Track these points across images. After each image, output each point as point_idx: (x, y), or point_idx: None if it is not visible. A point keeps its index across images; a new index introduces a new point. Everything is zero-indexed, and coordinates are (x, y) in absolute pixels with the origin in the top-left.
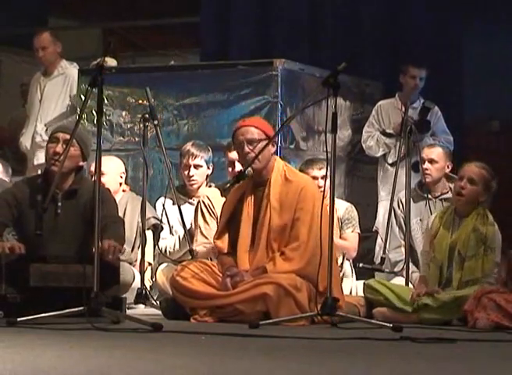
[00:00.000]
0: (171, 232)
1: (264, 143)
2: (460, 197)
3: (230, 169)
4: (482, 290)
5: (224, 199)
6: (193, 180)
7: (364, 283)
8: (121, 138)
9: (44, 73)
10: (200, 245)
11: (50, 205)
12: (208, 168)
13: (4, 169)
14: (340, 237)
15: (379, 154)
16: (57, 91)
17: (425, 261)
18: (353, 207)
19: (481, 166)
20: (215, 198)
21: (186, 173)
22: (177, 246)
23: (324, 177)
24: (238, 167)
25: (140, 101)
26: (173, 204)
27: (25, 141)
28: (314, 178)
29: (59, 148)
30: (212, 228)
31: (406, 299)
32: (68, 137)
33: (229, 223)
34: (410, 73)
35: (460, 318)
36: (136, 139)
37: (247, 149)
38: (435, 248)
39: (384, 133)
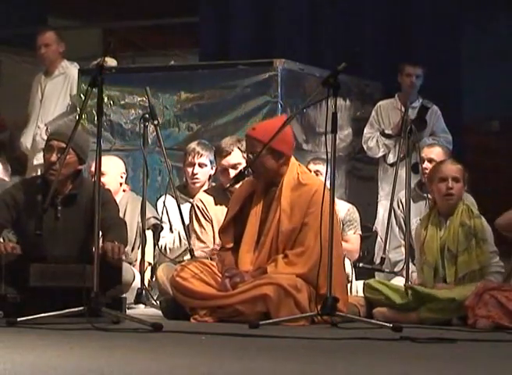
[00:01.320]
0: (171, 230)
1: (265, 156)
2: (450, 197)
3: (225, 176)
4: (484, 286)
5: (214, 202)
6: (196, 179)
7: (364, 283)
8: (121, 138)
9: (45, 73)
10: (198, 250)
11: (50, 209)
12: (212, 168)
13: (4, 168)
14: (342, 239)
15: (379, 154)
16: (57, 91)
17: (419, 267)
18: (355, 208)
19: (455, 162)
20: (208, 201)
21: (190, 170)
22: (177, 243)
23: (317, 172)
24: (232, 173)
25: (140, 101)
26: (175, 199)
27: (25, 141)
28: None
29: (54, 158)
30: (208, 232)
31: (407, 297)
32: (62, 144)
33: (235, 220)
34: (405, 71)
35: (460, 317)
36: (136, 139)
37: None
38: (426, 251)
39: (383, 134)
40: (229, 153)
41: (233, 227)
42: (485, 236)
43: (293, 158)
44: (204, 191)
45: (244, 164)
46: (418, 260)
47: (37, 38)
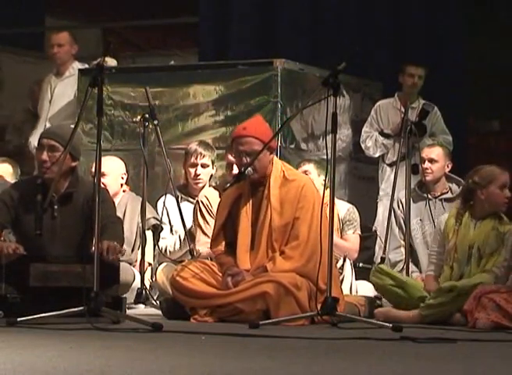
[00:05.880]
0: (171, 230)
1: (263, 153)
2: (507, 204)
3: (229, 170)
4: (482, 290)
5: (219, 196)
6: (199, 179)
7: (374, 267)
8: (121, 138)
9: (55, 74)
10: (203, 245)
11: (47, 208)
12: (213, 168)
13: (13, 171)
14: (341, 239)
15: (377, 154)
16: (67, 92)
17: (434, 260)
18: (355, 208)
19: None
20: (213, 197)
21: (193, 171)
22: (177, 246)
23: (306, 172)
24: (236, 169)
25: (140, 102)
26: (175, 198)
27: (34, 141)
28: None
29: (45, 156)
30: (213, 227)
31: (416, 286)
32: (52, 142)
33: (225, 225)
34: (408, 71)
35: (460, 310)
36: (137, 139)
37: (245, 160)
38: (458, 249)
39: (382, 133)
40: None
41: (224, 233)
42: (508, 242)
43: (275, 157)
44: (214, 187)
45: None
46: (435, 253)
47: (51, 37)
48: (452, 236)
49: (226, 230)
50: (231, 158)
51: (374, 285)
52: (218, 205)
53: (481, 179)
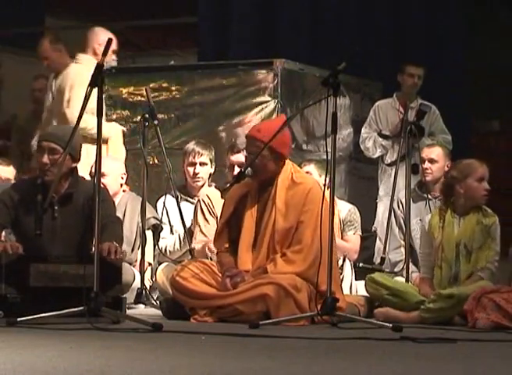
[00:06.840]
0: (171, 231)
1: (267, 157)
2: (487, 197)
3: (230, 172)
4: (482, 290)
5: (223, 200)
6: (198, 178)
7: (366, 277)
8: None
9: (54, 76)
10: (199, 243)
11: (47, 208)
12: (211, 167)
13: (18, 174)
14: (342, 239)
15: (376, 155)
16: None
17: (425, 262)
18: (356, 209)
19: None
20: (214, 197)
21: (191, 170)
22: (177, 245)
23: (307, 173)
24: (237, 170)
25: (140, 102)
26: (175, 198)
27: (35, 143)
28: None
29: (45, 159)
30: (212, 226)
31: (412, 291)
32: (52, 145)
33: (229, 223)
34: (408, 71)
35: (460, 313)
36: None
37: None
38: (444, 248)
39: (380, 134)
40: (240, 151)
41: (228, 230)
42: (495, 234)
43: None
44: (215, 186)
45: None
46: (425, 255)
47: (37, 50)
48: (437, 235)
49: (230, 228)
50: (232, 158)
51: (370, 295)
52: (224, 202)
53: (459, 172)
